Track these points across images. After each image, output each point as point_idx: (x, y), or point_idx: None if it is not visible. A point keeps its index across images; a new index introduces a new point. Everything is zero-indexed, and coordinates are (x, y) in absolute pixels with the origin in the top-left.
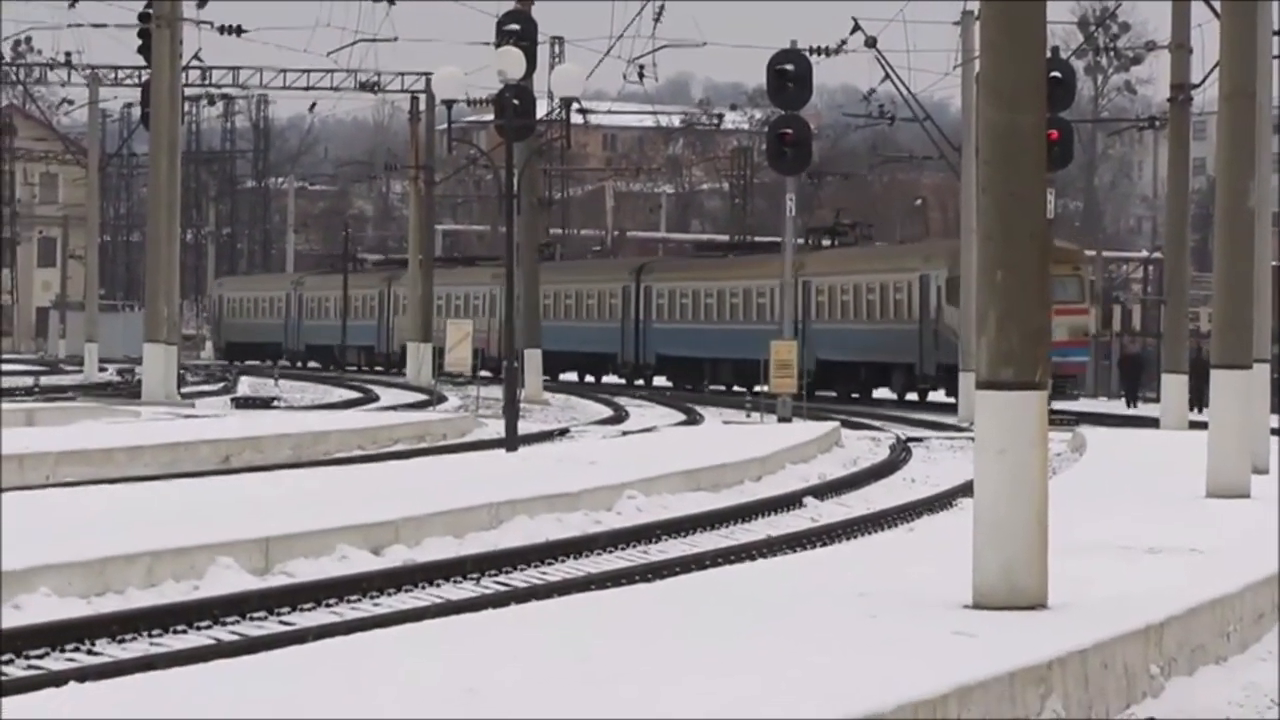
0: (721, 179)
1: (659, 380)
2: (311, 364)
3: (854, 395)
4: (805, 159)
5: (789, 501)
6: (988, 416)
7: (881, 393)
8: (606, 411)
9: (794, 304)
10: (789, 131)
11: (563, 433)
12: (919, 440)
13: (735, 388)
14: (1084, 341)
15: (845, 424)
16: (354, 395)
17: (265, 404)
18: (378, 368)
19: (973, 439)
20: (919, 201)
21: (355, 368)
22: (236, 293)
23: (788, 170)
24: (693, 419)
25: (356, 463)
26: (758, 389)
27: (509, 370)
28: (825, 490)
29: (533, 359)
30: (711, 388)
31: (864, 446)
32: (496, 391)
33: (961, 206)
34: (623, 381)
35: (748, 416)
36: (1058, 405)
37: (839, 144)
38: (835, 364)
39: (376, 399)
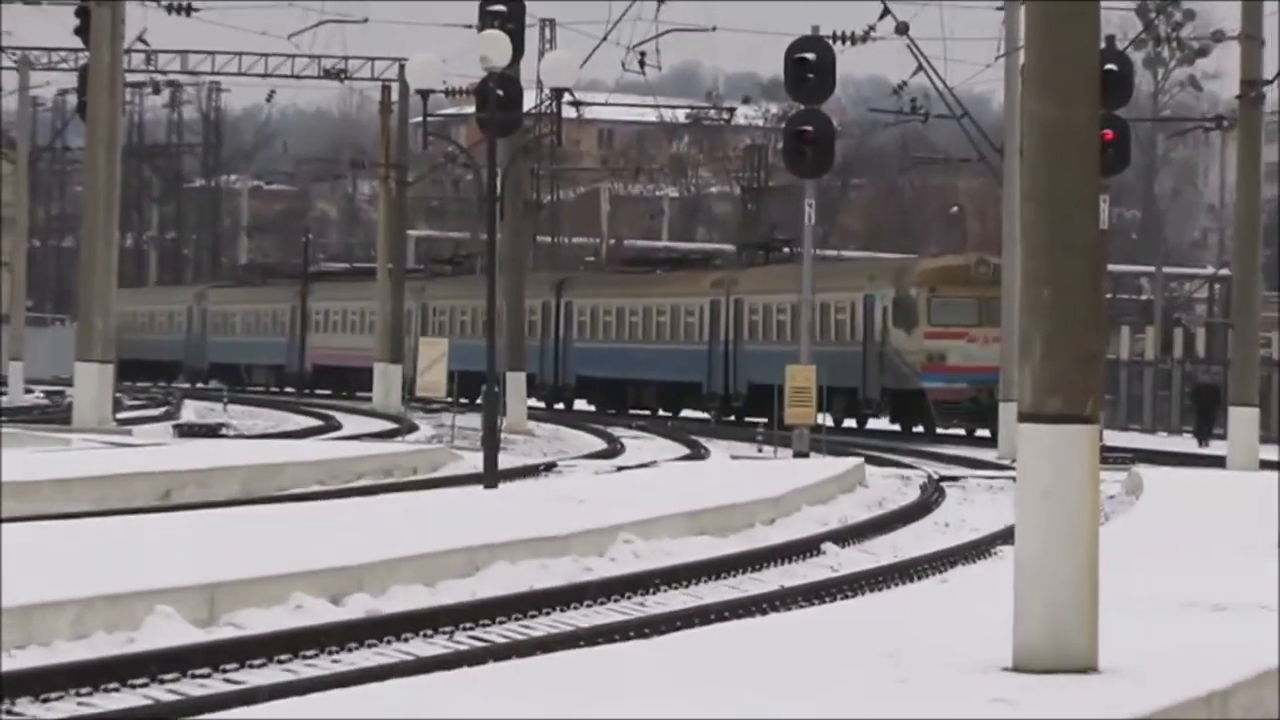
0: (732, 181)
1: (580, 404)
2: (214, 383)
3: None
4: (827, 160)
5: (806, 548)
6: (1031, 453)
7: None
8: (599, 444)
9: (725, 324)
10: (809, 129)
11: (549, 467)
12: (953, 479)
13: (661, 412)
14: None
15: (870, 460)
16: (312, 423)
17: (212, 432)
18: (287, 389)
19: (1014, 478)
20: (955, 209)
21: (263, 388)
22: (130, 307)
23: (807, 173)
24: (697, 453)
25: (315, 499)
26: (698, 414)
27: (488, 396)
28: (847, 535)
29: (516, 383)
30: (633, 412)
31: (891, 486)
32: (474, 420)
33: (1003, 215)
34: (542, 404)
35: (759, 451)
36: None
37: (865, 144)
38: (769, 388)
39: (338, 427)
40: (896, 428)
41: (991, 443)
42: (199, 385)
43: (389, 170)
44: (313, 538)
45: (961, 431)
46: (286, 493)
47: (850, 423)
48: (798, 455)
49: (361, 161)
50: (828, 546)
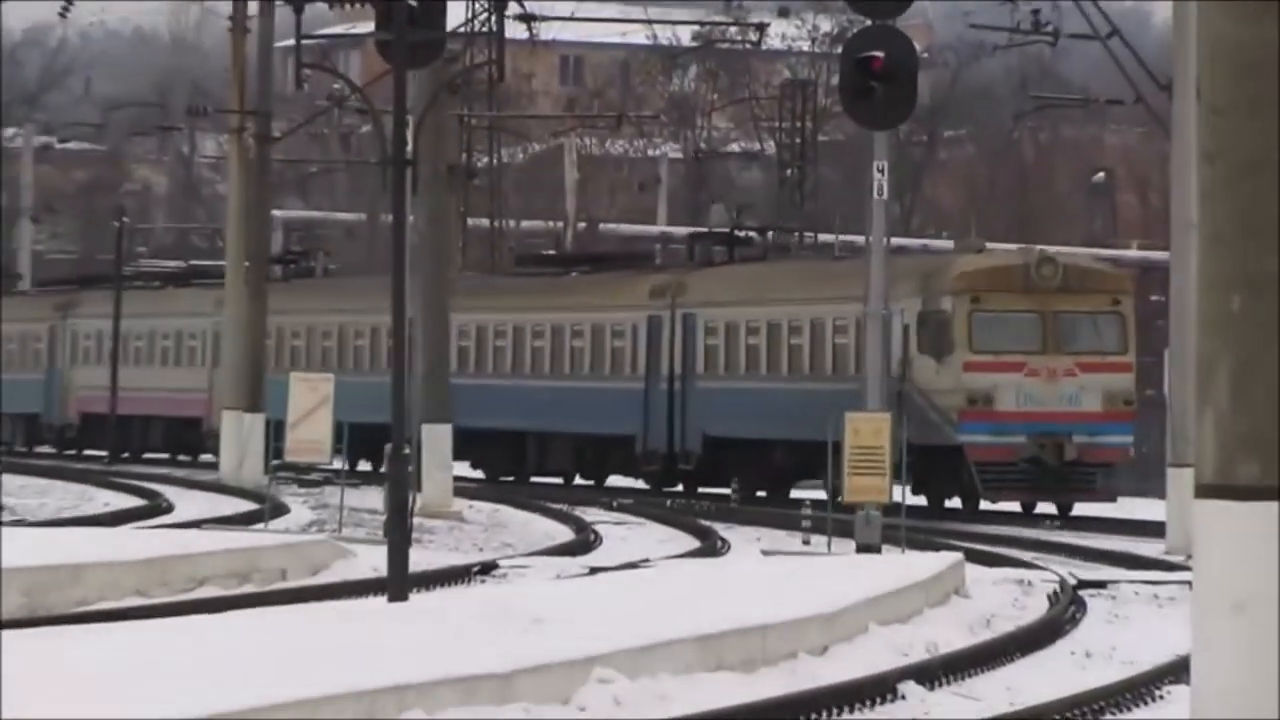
0: (762, 134)
1: (461, 468)
2: None
3: (761, 493)
4: (906, 103)
5: (876, 690)
6: (1216, 544)
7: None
8: (562, 532)
9: (669, 349)
10: (879, 56)
11: (487, 569)
12: (1098, 585)
13: (579, 480)
14: (1127, 414)
15: (971, 555)
16: (131, 503)
17: None
18: (45, 448)
19: (1189, 583)
20: (1099, 175)
21: (7, 446)
22: None
23: (876, 121)
24: (711, 546)
25: (131, 618)
26: (617, 482)
27: (394, 461)
28: (938, 671)
29: (437, 440)
30: (536, 480)
31: (1004, 595)
32: (373, 497)
33: (1171, 183)
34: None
35: (804, 544)
36: (1086, 510)
37: (964, 78)
38: (733, 443)
39: (168, 509)
40: (921, 500)
41: (1145, 529)
42: None
43: (244, 120)
44: (127, 676)
45: (1099, 509)
46: (89, 608)
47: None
48: (864, 549)
49: (203, 108)
50: (909, 688)
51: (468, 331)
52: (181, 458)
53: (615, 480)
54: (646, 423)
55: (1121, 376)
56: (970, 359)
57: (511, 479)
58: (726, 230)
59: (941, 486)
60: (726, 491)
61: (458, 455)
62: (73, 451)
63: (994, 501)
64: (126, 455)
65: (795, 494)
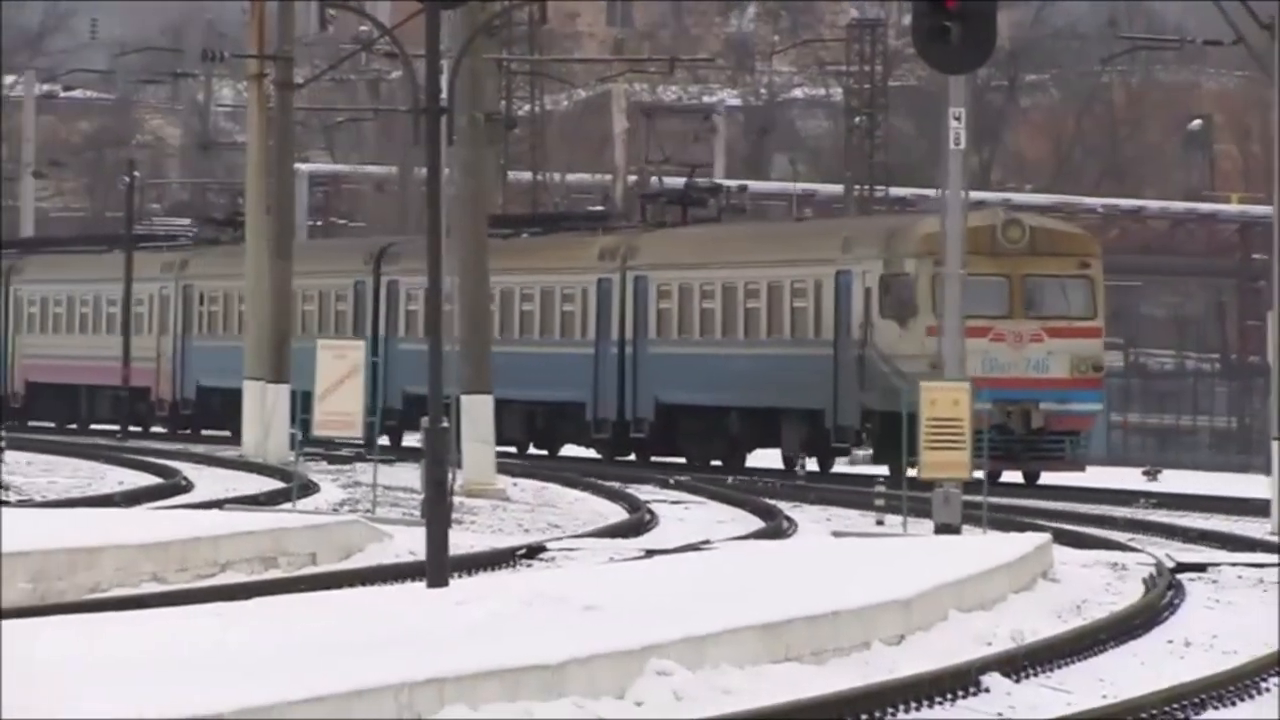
0: (828, 79)
1: (410, 439)
2: None
3: (715, 462)
4: (985, 45)
5: (957, 682)
6: None
7: (763, 457)
8: (614, 511)
9: (620, 313)
10: None
11: (534, 552)
12: (1198, 568)
13: (533, 449)
14: (1093, 380)
15: (1059, 535)
16: (147, 480)
17: None
18: None
19: None
20: (1196, 124)
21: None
22: None
23: (951, 65)
24: (776, 527)
25: (148, 605)
26: (583, 450)
27: (432, 435)
28: (1024, 662)
29: (478, 412)
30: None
31: (1095, 579)
32: (408, 474)
33: (1274, 132)
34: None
35: (878, 524)
36: (1055, 479)
37: (1047, 18)
38: (687, 410)
39: (187, 488)
40: (883, 470)
41: (1248, 508)
42: None
43: (264, 66)
44: (145, 668)
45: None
46: (101, 595)
47: (812, 463)
48: (942, 529)
49: (219, 52)
50: (992, 680)
51: (415, 294)
52: (133, 429)
53: (568, 450)
54: (596, 389)
55: (1090, 342)
56: (934, 323)
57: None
58: (679, 190)
59: (901, 455)
60: (680, 460)
61: (406, 426)
62: (15, 422)
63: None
64: (74, 427)
65: (841, 468)
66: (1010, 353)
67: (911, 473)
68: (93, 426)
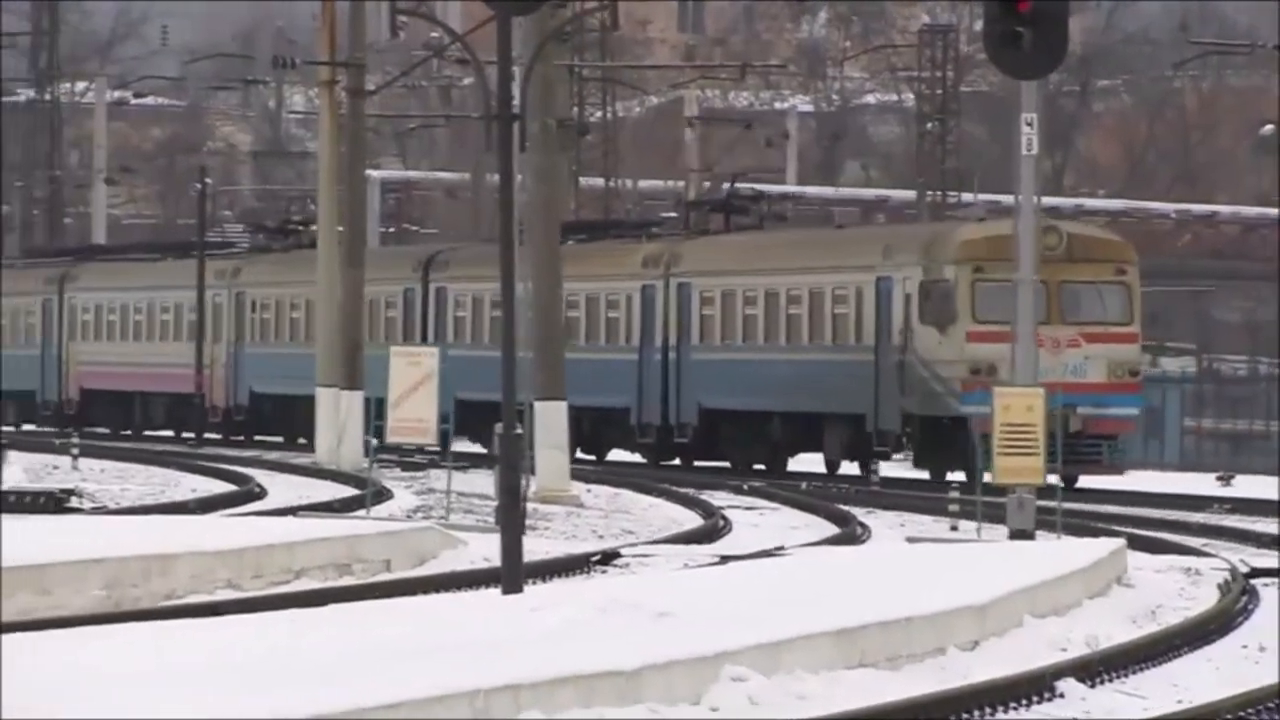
0: (900, 85)
1: (459, 445)
2: None
3: (758, 466)
4: (1057, 49)
5: (1032, 688)
6: None
7: (806, 461)
8: (689, 517)
9: (663, 320)
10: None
11: (608, 558)
12: (1272, 573)
13: (579, 454)
14: (1132, 385)
15: (1133, 541)
16: (220, 488)
17: (56, 503)
18: (43, 428)
19: None
20: (1268, 129)
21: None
22: None
23: (1023, 70)
24: (850, 533)
25: (224, 613)
26: (628, 455)
27: (506, 441)
28: (1099, 668)
29: (551, 419)
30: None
31: (1169, 584)
32: (482, 481)
33: None
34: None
35: (952, 529)
36: (1093, 482)
37: (1119, 23)
38: (730, 415)
39: (261, 495)
40: (924, 475)
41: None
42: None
43: (335, 72)
44: (220, 673)
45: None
46: (176, 602)
47: (852, 467)
48: (1016, 535)
49: (290, 59)
50: (1068, 686)
51: (464, 302)
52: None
53: (615, 455)
54: (641, 395)
55: (1127, 347)
56: (973, 329)
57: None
58: (721, 199)
59: (945, 459)
60: (723, 465)
61: (457, 430)
62: (70, 429)
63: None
64: (128, 433)
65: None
66: (1048, 358)
67: (987, 478)
68: (146, 433)
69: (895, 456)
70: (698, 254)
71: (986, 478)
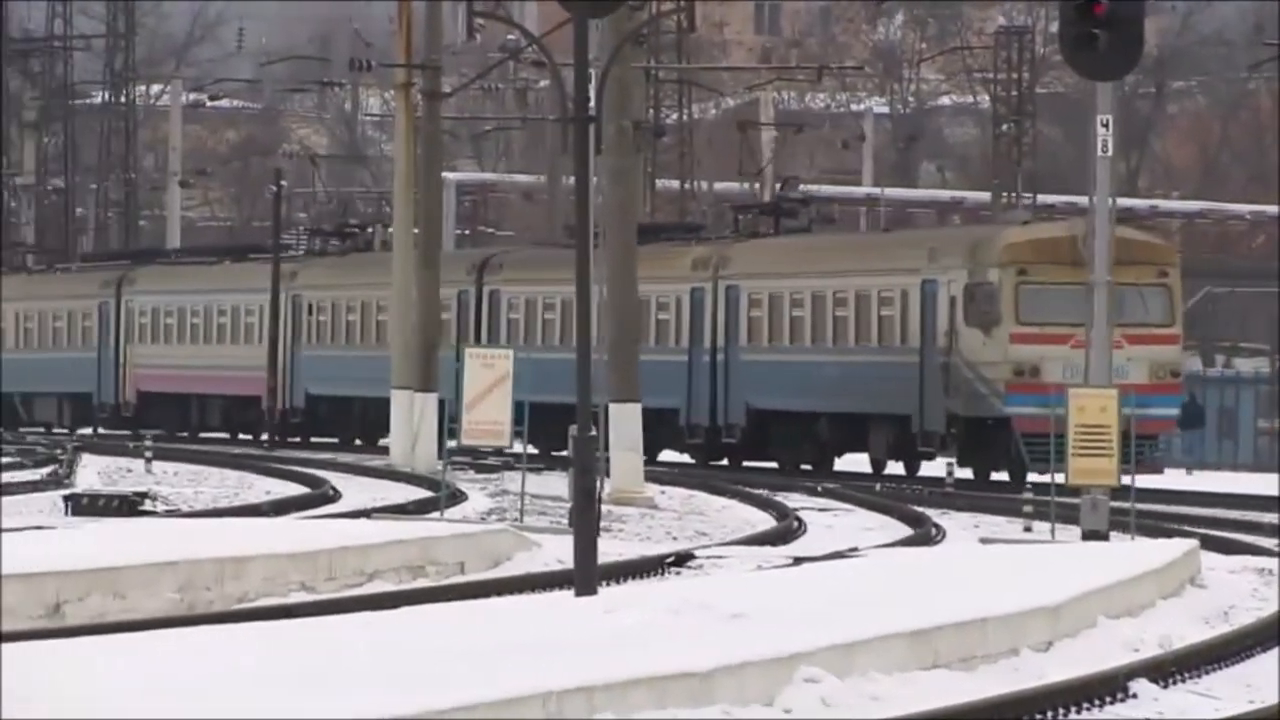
0: (976, 86)
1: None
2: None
3: (805, 466)
4: (1132, 50)
5: (1105, 688)
6: None
7: (852, 461)
8: (763, 519)
9: (712, 321)
10: (1101, 1)
11: (682, 560)
12: None
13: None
14: (1172, 385)
15: (1206, 542)
16: (294, 490)
17: (131, 506)
18: (99, 431)
19: None
20: None
21: (45, 429)
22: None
23: (1099, 72)
24: (925, 534)
25: (298, 615)
26: (678, 456)
27: (580, 444)
28: (1172, 668)
29: (626, 421)
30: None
31: (1242, 585)
32: (556, 483)
33: None
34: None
35: (1026, 530)
36: (1166, 482)
37: (1194, 24)
38: (777, 416)
39: (335, 497)
40: (967, 473)
41: None
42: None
43: (411, 75)
44: (293, 676)
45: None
46: (250, 605)
47: (897, 466)
48: (1090, 536)
49: (366, 62)
50: (1141, 686)
51: (518, 304)
52: (243, 436)
53: (665, 455)
54: (690, 396)
55: (1169, 349)
56: (1017, 330)
57: (564, 453)
58: (771, 202)
59: (988, 458)
60: (771, 465)
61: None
62: (128, 431)
63: (1041, 474)
64: (185, 435)
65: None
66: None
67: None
68: (201, 435)
69: (939, 457)
70: (746, 257)
71: (1032, 477)
